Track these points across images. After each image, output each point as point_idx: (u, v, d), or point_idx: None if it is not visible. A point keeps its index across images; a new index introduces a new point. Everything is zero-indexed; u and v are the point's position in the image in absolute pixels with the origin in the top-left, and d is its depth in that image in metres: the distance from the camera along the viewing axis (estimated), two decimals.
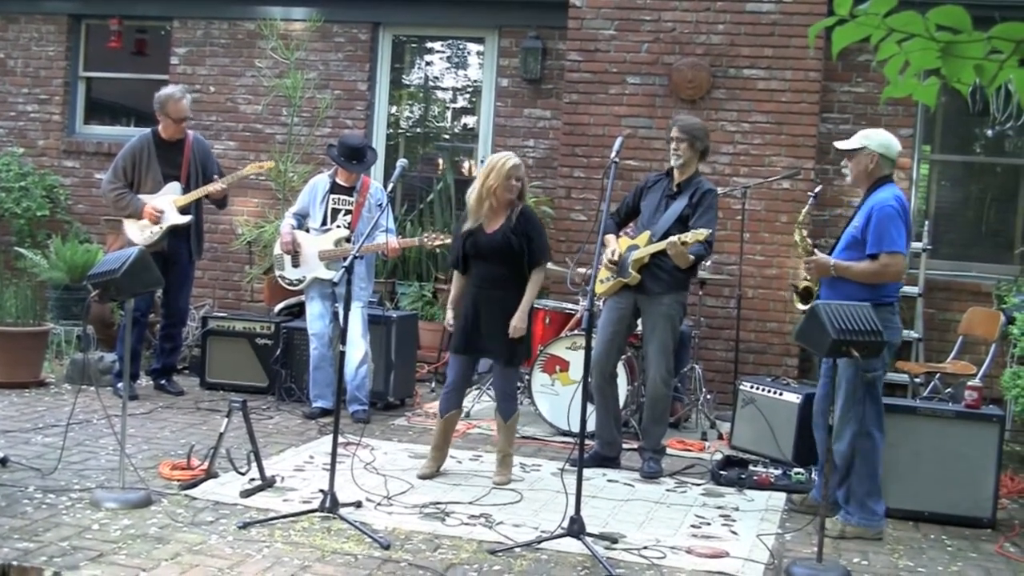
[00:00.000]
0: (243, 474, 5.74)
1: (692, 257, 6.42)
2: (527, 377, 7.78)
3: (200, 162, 8.15)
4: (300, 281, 7.83)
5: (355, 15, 10.57)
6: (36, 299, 8.70)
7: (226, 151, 10.58)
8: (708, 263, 8.05)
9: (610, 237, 6.68)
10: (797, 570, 4.83)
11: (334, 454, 5.31)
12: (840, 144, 5.86)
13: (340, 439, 5.46)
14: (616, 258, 6.57)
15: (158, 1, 11.03)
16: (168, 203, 7.92)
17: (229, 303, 10.54)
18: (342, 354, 5.65)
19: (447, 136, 11.22)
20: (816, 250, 5.85)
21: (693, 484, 6.47)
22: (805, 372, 9.01)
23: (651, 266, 6.52)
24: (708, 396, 8.12)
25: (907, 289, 8.33)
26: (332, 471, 5.27)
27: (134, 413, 7.20)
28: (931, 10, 2.31)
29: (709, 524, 5.60)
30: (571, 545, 4.96)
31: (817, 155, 8.91)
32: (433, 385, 9.01)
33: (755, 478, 6.48)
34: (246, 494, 5.52)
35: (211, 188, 7.97)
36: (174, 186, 7.99)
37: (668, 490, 6.31)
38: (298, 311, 8.57)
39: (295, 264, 7.82)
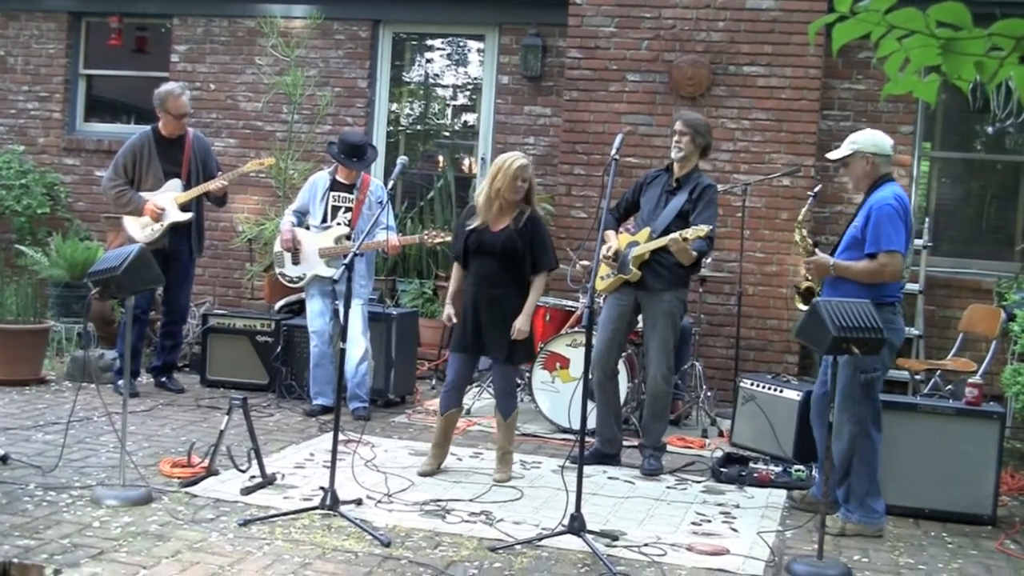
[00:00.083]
0: (244, 471, 5.74)
1: (694, 253, 6.42)
2: (527, 374, 7.79)
3: (200, 159, 8.15)
4: (300, 278, 7.83)
5: (355, 12, 10.57)
6: (37, 296, 8.70)
7: (226, 148, 10.59)
8: (708, 260, 8.05)
9: (610, 233, 6.68)
10: (798, 567, 4.83)
11: (334, 451, 5.31)
12: (831, 154, 5.87)
13: (340, 436, 5.47)
14: (612, 254, 6.57)
15: None
16: (169, 200, 7.92)
17: (229, 300, 10.54)
18: (342, 351, 5.65)
19: (447, 133, 11.22)
20: (817, 250, 5.85)
21: (694, 481, 6.47)
22: (805, 369, 9.01)
23: (652, 262, 6.51)
24: (708, 393, 8.12)
25: (908, 286, 8.34)
26: (332, 468, 5.28)
27: (135, 410, 7.20)
28: (931, 7, 2.31)
29: (710, 521, 5.60)
30: (572, 542, 4.96)
31: (817, 152, 8.89)
32: (433, 382, 9.00)
33: (755, 475, 6.48)
34: (247, 491, 5.52)
35: (212, 185, 7.97)
36: (175, 183, 7.99)
37: (668, 487, 6.31)
38: (298, 308, 8.57)
39: (295, 261, 7.82)
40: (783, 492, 6.26)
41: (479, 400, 8.18)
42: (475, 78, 10.83)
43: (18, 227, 10.63)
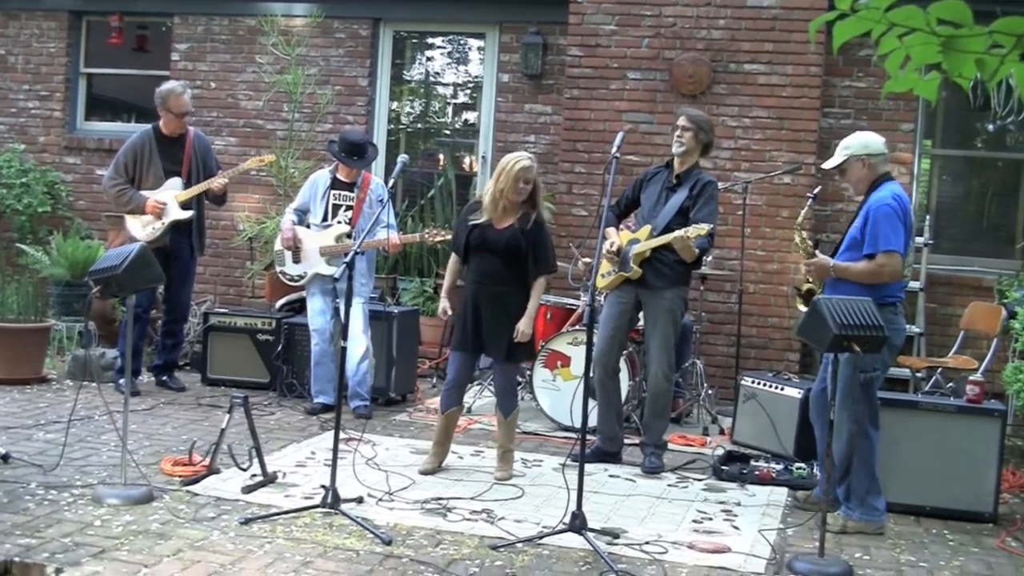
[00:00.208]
0: (245, 470, 5.74)
1: (697, 250, 6.42)
2: (528, 373, 7.79)
3: (201, 158, 8.15)
4: (301, 277, 7.83)
5: (356, 11, 10.57)
6: (37, 295, 8.70)
7: (227, 147, 10.59)
8: (709, 257, 8.04)
9: (611, 230, 6.68)
10: (799, 565, 4.83)
11: (335, 450, 5.32)
12: (826, 164, 5.88)
13: (341, 435, 5.47)
14: (616, 249, 6.57)
15: None
16: (170, 198, 7.93)
17: (230, 299, 10.54)
18: (343, 350, 5.65)
19: (448, 132, 11.23)
20: (817, 252, 5.85)
21: (695, 479, 6.47)
22: (806, 367, 9.01)
23: (652, 260, 6.51)
24: (709, 391, 8.12)
25: (909, 283, 8.33)
26: (334, 467, 5.28)
27: (136, 409, 7.21)
28: (932, 4, 2.31)
29: (711, 519, 5.60)
30: (573, 540, 4.96)
31: (818, 150, 8.89)
32: (434, 381, 9.00)
33: (756, 473, 6.48)
34: (248, 490, 5.52)
35: (213, 183, 7.97)
36: (175, 181, 7.99)
37: (670, 485, 6.31)
38: (299, 307, 8.57)
39: (296, 260, 7.82)
40: (784, 490, 6.26)
41: (480, 398, 8.18)
42: (476, 76, 10.83)
43: (19, 226, 10.63)
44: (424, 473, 6.15)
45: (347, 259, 5.50)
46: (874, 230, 5.44)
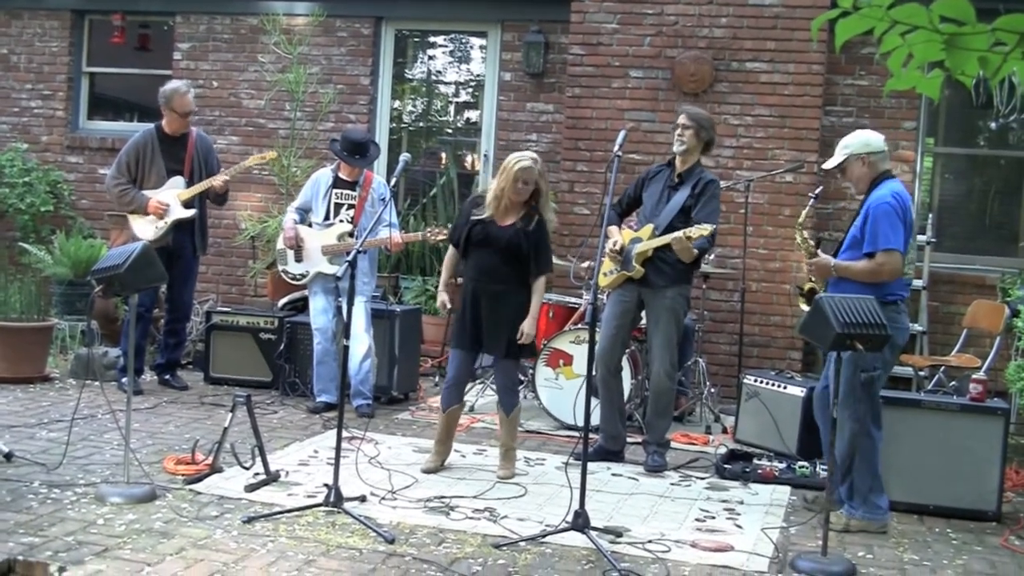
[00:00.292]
0: (247, 469, 5.74)
1: (696, 251, 6.41)
2: (531, 371, 7.79)
3: (203, 157, 8.15)
4: (303, 276, 7.83)
5: (357, 9, 10.57)
6: (40, 294, 8.70)
7: (229, 146, 10.60)
8: (711, 256, 8.04)
9: (613, 229, 6.68)
10: (802, 563, 4.83)
11: (338, 449, 5.32)
12: (826, 164, 5.87)
13: (344, 434, 5.47)
14: (619, 248, 6.56)
15: None
16: (172, 197, 7.93)
17: (233, 298, 10.55)
18: (346, 349, 5.64)
19: (450, 130, 11.23)
20: (819, 251, 5.84)
21: (697, 478, 6.47)
22: (809, 366, 9.01)
23: (655, 259, 6.51)
24: (712, 390, 8.12)
25: (912, 282, 8.32)
26: (336, 465, 5.28)
27: (138, 408, 7.21)
28: (934, 2, 2.30)
29: (714, 518, 5.60)
30: (575, 539, 4.96)
31: (820, 148, 8.88)
32: (437, 379, 9.00)
33: (759, 472, 6.48)
34: (250, 489, 5.52)
35: (214, 181, 7.97)
36: (177, 180, 7.99)
37: (672, 484, 6.31)
38: (302, 306, 8.57)
39: (298, 259, 7.82)
40: (787, 488, 6.26)
41: (482, 397, 8.18)
42: (477, 75, 10.83)
43: (22, 225, 10.64)
44: (426, 472, 6.15)
45: (349, 258, 5.50)
46: (873, 228, 5.43)
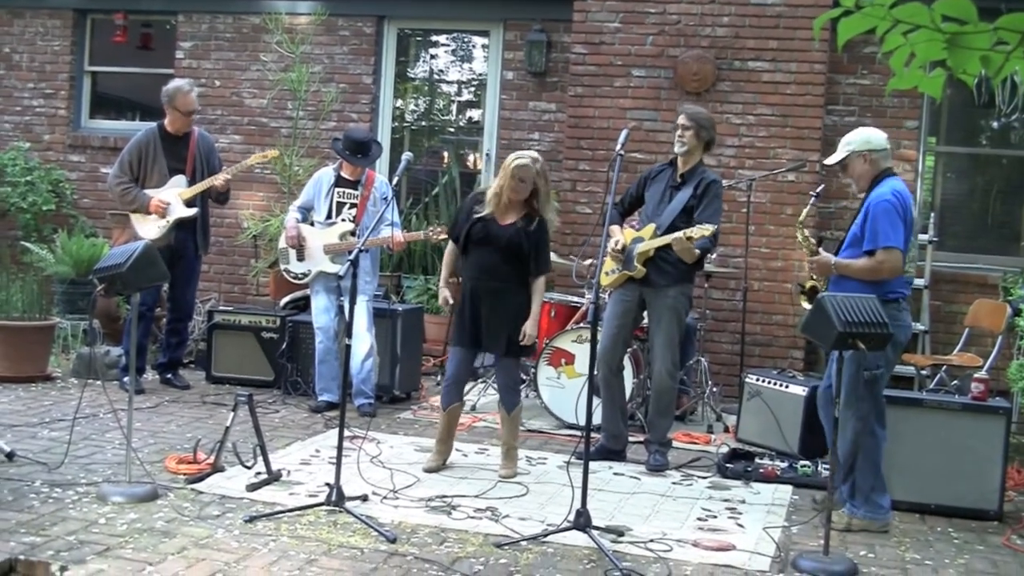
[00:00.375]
0: (249, 468, 5.74)
1: (697, 252, 6.40)
2: (532, 370, 7.79)
3: (205, 156, 8.16)
4: (305, 275, 7.83)
5: (360, 8, 10.57)
6: (42, 293, 8.71)
7: (231, 145, 10.60)
8: (713, 256, 8.03)
9: (615, 228, 6.67)
10: (804, 563, 4.83)
11: (340, 448, 5.32)
12: (828, 160, 5.87)
13: (346, 433, 5.47)
14: (621, 247, 6.56)
15: None
16: (174, 196, 7.93)
17: (235, 297, 10.55)
18: (348, 348, 5.64)
19: (452, 129, 11.23)
20: (820, 249, 5.84)
21: (699, 477, 6.46)
22: (811, 365, 9.00)
23: (656, 259, 6.50)
24: (714, 389, 8.11)
25: (914, 281, 8.32)
26: (338, 465, 5.28)
27: (140, 407, 7.21)
28: (936, 1, 2.30)
29: (715, 517, 5.60)
30: (577, 538, 4.96)
31: (822, 147, 8.88)
32: (439, 378, 8.97)
33: (761, 471, 6.47)
34: (252, 488, 5.52)
35: (216, 179, 7.97)
36: (179, 179, 8.00)
37: (674, 483, 6.31)
38: (304, 305, 8.58)
39: (300, 258, 7.82)
40: (789, 488, 6.26)
41: (484, 396, 8.18)
42: (480, 74, 10.83)
43: (24, 224, 10.65)
44: (428, 471, 6.15)
45: (351, 257, 5.50)
46: (873, 226, 5.43)
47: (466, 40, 11.03)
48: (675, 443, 7.05)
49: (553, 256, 8.42)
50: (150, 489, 5.34)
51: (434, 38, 11.21)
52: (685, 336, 7.18)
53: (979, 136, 10.09)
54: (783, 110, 9.00)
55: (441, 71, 11.24)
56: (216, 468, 5.77)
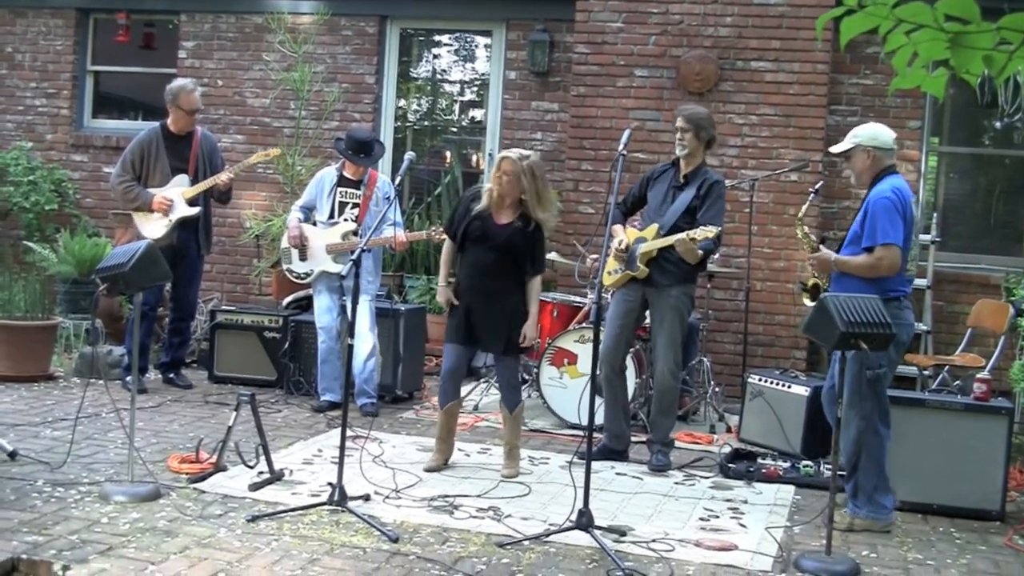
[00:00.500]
0: (252, 467, 5.74)
1: (700, 253, 6.40)
2: (535, 370, 7.79)
3: (207, 156, 8.17)
4: (307, 274, 7.83)
5: (362, 8, 10.57)
6: (45, 293, 8.71)
7: (234, 145, 10.60)
8: (716, 256, 8.03)
9: (617, 227, 6.67)
10: (806, 563, 4.83)
11: (342, 447, 5.32)
12: (834, 148, 5.86)
13: (348, 432, 5.47)
14: (624, 247, 6.55)
15: None
16: (176, 195, 7.93)
17: (237, 297, 10.55)
18: (350, 347, 5.65)
19: (455, 129, 11.23)
20: (822, 246, 5.83)
21: (701, 477, 6.46)
22: (813, 365, 9.00)
23: (659, 259, 6.50)
24: (716, 389, 8.11)
25: (916, 281, 8.31)
26: (340, 464, 5.28)
27: (143, 407, 7.21)
28: (939, 0, 2.30)
29: (718, 517, 5.59)
30: (580, 538, 4.96)
31: (825, 147, 8.87)
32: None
33: (764, 471, 6.47)
34: (255, 487, 5.52)
35: (218, 178, 7.98)
36: (182, 178, 8.00)
37: (676, 483, 6.30)
38: (306, 304, 8.58)
39: (303, 258, 7.82)
40: (791, 488, 6.25)
41: (487, 396, 8.18)
42: (482, 74, 10.83)
43: (26, 224, 10.65)
44: (429, 470, 6.15)
45: (354, 257, 5.50)
46: (872, 223, 5.43)
47: (469, 40, 11.04)
48: (677, 443, 7.05)
49: (556, 256, 8.47)
50: (152, 488, 5.34)
51: (437, 38, 11.21)
52: (687, 336, 7.18)
53: (982, 136, 10.08)
54: (786, 110, 9.01)
55: (444, 71, 11.25)
56: (218, 467, 5.77)
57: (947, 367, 8.17)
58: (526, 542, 4.93)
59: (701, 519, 5.54)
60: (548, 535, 5.02)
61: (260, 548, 4.66)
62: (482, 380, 8.42)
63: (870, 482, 5.52)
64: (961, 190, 10.02)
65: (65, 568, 4.28)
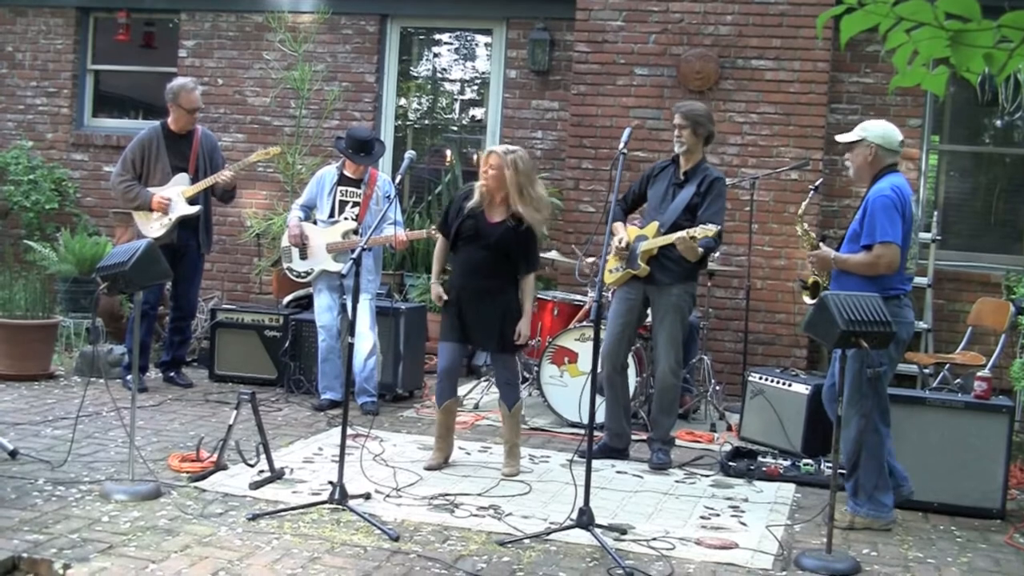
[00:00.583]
0: (252, 466, 5.74)
1: (701, 251, 6.39)
2: (536, 368, 7.79)
3: (208, 155, 8.16)
4: (308, 273, 7.83)
5: (363, 7, 10.57)
6: (45, 292, 8.71)
7: (234, 143, 10.60)
8: (717, 254, 8.03)
9: (618, 225, 6.66)
10: (807, 561, 4.83)
11: (343, 446, 5.32)
12: (840, 137, 5.85)
13: (349, 431, 5.47)
14: (624, 245, 6.55)
15: None
16: (176, 194, 7.93)
17: (238, 295, 10.56)
18: (351, 346, 5.65)
19: (455, 128, 11.22)
20: (822, 244, 5.83)
21: (702, 475, 6.46)
22: (814, 363, 9.00)
23: (660, 257, 6.50)
24: (717, 387, 8.11)
25: (917, 280, 8.31)
26: (341, 463, 5.28)
27: (143, 405, 7.22)
28: None
29: (718, 515, 5.59)
30: (580, 536, 4.96)
31: (825, 145, 8.89)
32: None
33: (764, 469, 6.47)
34: (255, 486, 5.52)
35: (219, 176, 7.98)
36: (182, 177, 8.00)
37: (677, 481, 6.30)
38: (307, 303, 8.58)
39: (303, 256, 7.82)
40: (792, 486, 6.25)
41: (487, 394, 8.18)
42: (483, 72, 10.83)
43: (27, 223, 10.65)
44: (429, 469, 6.15)
45: (354, 255, 5.50)
46: (871, 221, 5.43)
47: (469, 38, 11.03)
48: (678, 441, 7.05)
49: (556, 255, 8.47)
50: (153, 487, 5.34)
51: (437, 36, 11.20)
52: (688, 334, 7.18)
53: (982, 134, 10.08)
54: (786, 108, 9.01)
55: (444, 69, 11.24)
56: (219, 466, 5.77)
57: (948, 365, 8.17)
58: (527, 540, 4.93)
59: (702, 517, 5.54)
60: (549, 533, 5.02)
61: (261, 547, 4.66)
62: (482, 378, 8.43)
63: (870, 480, 5.52)
64: (961, 188, 10.02)
65: (66, 567, 4.28)
